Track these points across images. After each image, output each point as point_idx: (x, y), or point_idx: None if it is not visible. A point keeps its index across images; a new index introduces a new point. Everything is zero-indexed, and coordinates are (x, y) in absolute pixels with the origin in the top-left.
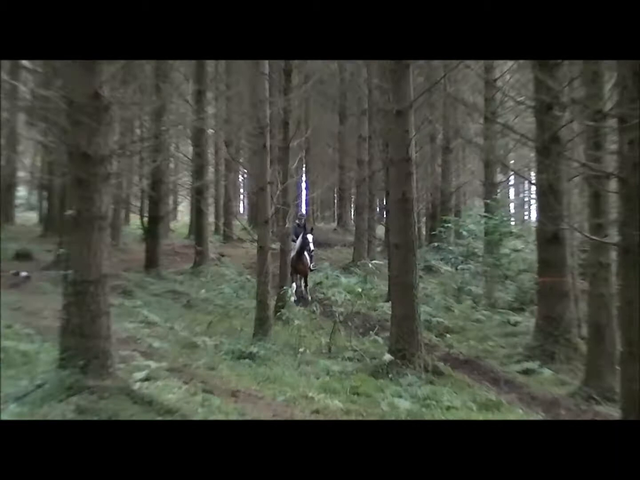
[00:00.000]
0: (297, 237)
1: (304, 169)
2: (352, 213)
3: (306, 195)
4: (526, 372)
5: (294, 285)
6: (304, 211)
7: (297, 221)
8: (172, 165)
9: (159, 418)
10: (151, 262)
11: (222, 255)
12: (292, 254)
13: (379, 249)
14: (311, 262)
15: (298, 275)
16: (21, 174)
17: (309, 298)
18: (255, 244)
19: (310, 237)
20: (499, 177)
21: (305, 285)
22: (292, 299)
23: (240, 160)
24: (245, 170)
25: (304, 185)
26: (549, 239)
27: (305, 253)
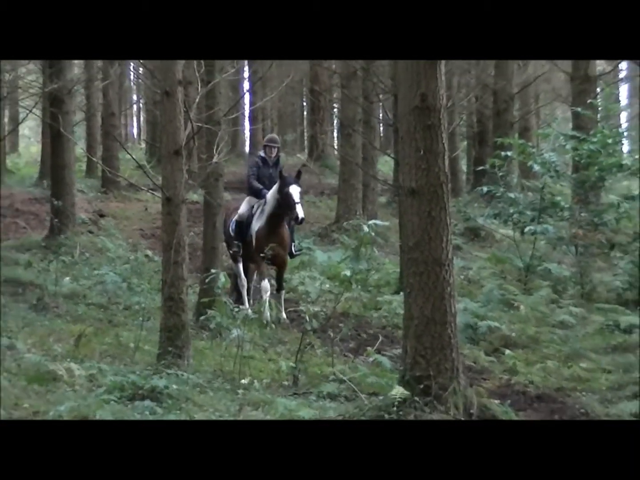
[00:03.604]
0: (262, 185)
1: None
2: (335, 135)
3: (251, 104)
4: None
5: (240, 280)
6: (274, 135)
7: (261, 153)
8: None
9: None
10: None
11: (102, 216)
12: (258, 222)
13: (383, 198)
14: (293, 242)
15: (262, 268)
16: None
17: (284, 316)
18: (159, 193)
19: (297, 190)
20: (601, 67)
21: (279, 287)
22: (247, 310)
23: None
24: (141, 61)
25: (247, 86)
26: None
27: (285, 224)
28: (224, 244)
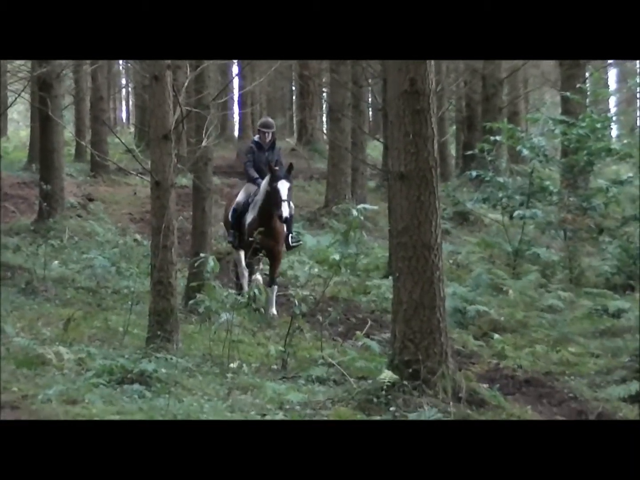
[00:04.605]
0: (259, 170)
1: None
2: (324, 120)
3: (240, 89)
4: (637, 399)
5: (244, 273)
6: (268, 119)
7: (256, 137)
8: None
9: None
10: None
11: (91, 200)
12: (251, 213)
13: (372, 183)
14: (290, 233)
15: (257, 257)
16: None
17: (274, 312)
18: (148, 177)
19: (285, 186)
20: None
21: (272, 279)
22: (239, 294)
23: None
24: None
25: (236, 69)
26: None
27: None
28: (213, 229)
